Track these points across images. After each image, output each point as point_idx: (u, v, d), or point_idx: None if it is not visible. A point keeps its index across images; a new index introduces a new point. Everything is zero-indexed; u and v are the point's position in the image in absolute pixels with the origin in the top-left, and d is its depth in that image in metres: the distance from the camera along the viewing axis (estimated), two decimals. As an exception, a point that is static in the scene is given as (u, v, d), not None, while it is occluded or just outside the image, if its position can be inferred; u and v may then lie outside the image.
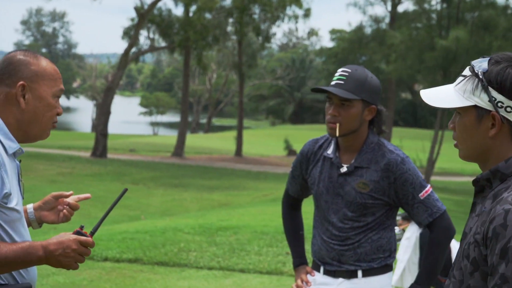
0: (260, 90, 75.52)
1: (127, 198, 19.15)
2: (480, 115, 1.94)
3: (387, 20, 35.01)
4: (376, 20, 35.24)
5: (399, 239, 6.01)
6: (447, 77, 23.76)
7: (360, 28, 36.07)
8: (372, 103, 3.11)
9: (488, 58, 1.97)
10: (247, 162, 32.62)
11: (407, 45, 26.10)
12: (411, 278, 5.75)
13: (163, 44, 32.71)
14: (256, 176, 26.33)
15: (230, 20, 31.37)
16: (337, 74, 3.13)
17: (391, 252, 3.19)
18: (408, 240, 5.86)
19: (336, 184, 3.15)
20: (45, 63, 2.35)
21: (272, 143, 50.49)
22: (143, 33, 30.90)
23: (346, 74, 3.08)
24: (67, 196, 2.56)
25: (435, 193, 3.13)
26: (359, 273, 3.14)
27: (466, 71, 2.00)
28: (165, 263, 7.62)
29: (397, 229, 6.09)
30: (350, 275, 3.15)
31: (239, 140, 34.50)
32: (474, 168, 23.94)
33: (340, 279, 3.17)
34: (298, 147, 41.15)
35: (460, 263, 1.95)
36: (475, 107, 1.94)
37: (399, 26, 30.51)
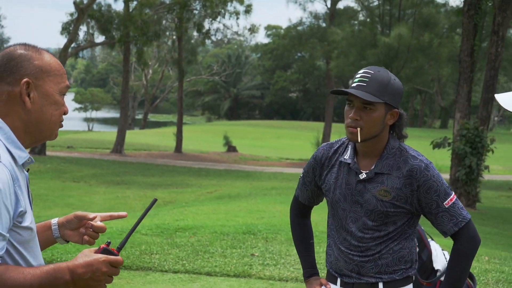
0: (196, 86, 75.19)
1: (69, 197, 18.67)
2: None
3: (327, 17, 35.20)
4: (316, 16, 35.38)
5: None
6: (389, 74, 24.06)
7: (296, 25, 36.21)
8: (394, 107, 2.92)
9: None
10: (187, 159, 32.32)
11: (349, 42, 26.29)
12: None
13: (101, 39, 32.06)
14: (197, 173, 26.09)
15: (170, 16, 30.96)
16: (358, 75, 2.92)
17: (413, 262, 3.01)
18: None
19: (354, 191, 2.96)
20: (48, 57, 2.13)
21: (210, 139, 50.25)
22: (83, 28, 30.20)
23: (369, 75, 2.88)
24: (91, 219, 2.29)
25: (459, 200, 2.95)
26: (380, 285, 2.96)
27: None
28: (128, 267, 7.30)
29: None
30: (371, 287, 2.97)
31: (178, 136, 34.17)
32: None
33: None
34: (236, 143, 41.12)
35: None
36: None
37: (338, 23, 30.70)
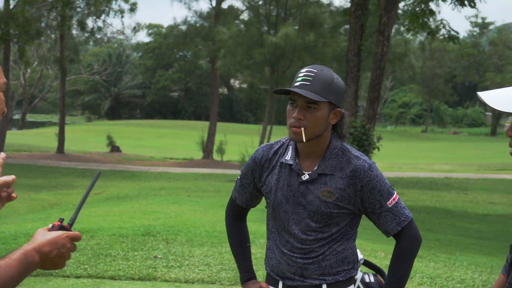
0: (76, 85, 73.37)
1: None
2: None
3: (211, 16, 35.20)
4: (201, 15, 35.28)
5: None
6: (275, 73, 24.36)
7: (178, 24, 36.00)
8: (337, 106, 2.85)
9: None
10: (70, 159, 31.46)
11: (236, 41, 26.38)
12: None
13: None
14: (82, 174, 25.46)
15: (53, 13, 29.97)
16: (301, 74, 2.83)
17: (355, 263, 2.97)
18: None
19: (297, 193, 2.88)
20: None
21: (92, 139, 49.17)
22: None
23: (312, 74, 2.80)
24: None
25: (401, 200, 2.93)
26: (324, 287, 2.90)
27: None
28: (26, 274, 6.94)
29: None
30: None
31: (60, 136, 33.19)
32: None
33: None
34: (119, 143, 40.45)
35: None
36: None
37: (224, 22, 30.77)
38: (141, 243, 8.41)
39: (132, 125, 62.78)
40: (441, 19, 20.27)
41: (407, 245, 2.88)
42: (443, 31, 20.42)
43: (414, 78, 63.59)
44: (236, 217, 3.19)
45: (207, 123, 39.35)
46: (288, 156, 2.93)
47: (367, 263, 6.10)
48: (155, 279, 7.06)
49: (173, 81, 76.73)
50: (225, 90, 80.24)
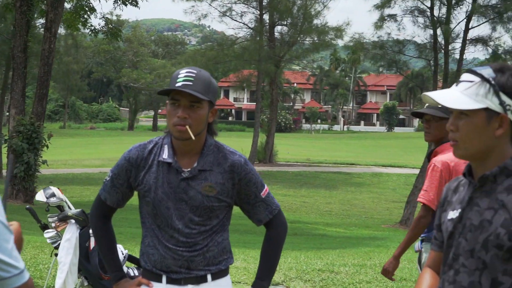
0: None
1: None
2: (490, 117, 2.21)
3: None
4: None
5: (55, 242, 5.70)
6: None
7: None
8: (214, 105, 3.05)
9: (487, 66, 2.29)
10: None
11: None
12: (72, 280, 5.55)
13: None
14: None
15: None
16: (181, 75, 2.92)
17: (231, 252, 3.17)
18: (69, 241, 5.59)
19: (178, 189, 2.97)
20: None
21: None
22: None
23: (193, 75, 2.91)
24: None
25: (271, 193, 3.21)
26: (209, 277, 3.03)
27: (470, 77, 2.27)
28: None
29: (53, 232, 5.77)
30: (200, 280, 3.02)
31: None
32: None
33: (189, 286, 3.01)
34: None
35: (474, 252, 2.21)
36: (486, 109, 2.22)
37: None
38: None
39: None
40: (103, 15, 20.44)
41: (278, 231, 3.17)
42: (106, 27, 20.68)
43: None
44: (104, 218, 3.19)
45: None
46: (165, 155, 3.00)
47: (131, 258, 6.23)
48: None
49: None
50: None
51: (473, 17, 19.35)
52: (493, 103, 2.22)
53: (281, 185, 29.29)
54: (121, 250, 5.62)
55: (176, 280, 3.01)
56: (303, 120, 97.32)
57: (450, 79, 19.78)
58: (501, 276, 2.19)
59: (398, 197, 27.61)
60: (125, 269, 3.10)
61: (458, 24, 19.96)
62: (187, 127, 2.90)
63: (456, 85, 2.30)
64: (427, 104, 4.87)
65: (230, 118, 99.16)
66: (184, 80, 2.89)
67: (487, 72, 2.25)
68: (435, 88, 20.23)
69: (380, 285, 7.71)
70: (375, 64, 21.98)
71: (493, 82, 2.22)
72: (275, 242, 3.15)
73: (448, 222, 2.39)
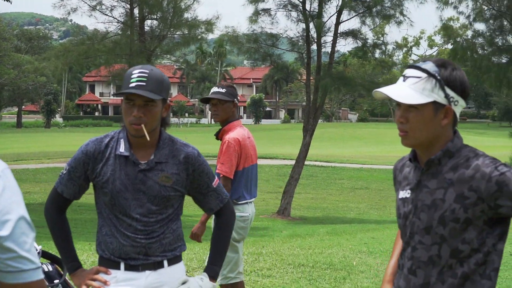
0: None
1: None
2: (437, 109, 2.47)
3: None
4: None
5: None
6: None
7: None
8: (167, 100, 3.22)
9: (429, 61, 2.51)
10: None
11: None
12: None
13: None
14: None
15: None
16: (134, 75, 3.07)
17: (183, 240, 3.36)
18: None
19: (135, 180, 3.16)
20: None
21: None
22: None
23: (146, 75, 3.07)
24: None
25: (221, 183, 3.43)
26: (165, 262, 3.22)
27: (416, 73, 2.48)
28: None
29: None
30: (157, 266, 3.20)
31: None
32: None
33: (147, 272, 3.19)
34: None
35: (431, 229, 2.45)
36: (433, 102, 2.46)
37: None
38: None
39: None
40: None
41: (228, 219, 3.41)
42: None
43: None
44: (59, 211, 3.33)
45: None
46: (122, 148, 3.19)
47: (44, 254, 6.18)
48: None
49: None
50: None
51: (343, 11, 20.15)
52: (439, 97, 2.47)
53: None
54: (35, 246, 5.54)
55: (134, 267, 3.18)
56: (171, 114, 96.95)
57: (323, 71, 20.48)
58: (461, 245, 2.44)
59: (273, 188, 28.23)
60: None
61: (329, 18, 20.74)
62: (143, 126, 3.08)
63: (404, 80, 2.51)
64: (212, 90, 5.54)
65: (96, 113, 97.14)
66: (137, 81, 3.05)
67: (431, 67, 2.48)
68: (308, 79, 20.88)
69: (280, 271, 7.97)
70: (250, 58, 22.35)
71: (438, 77, 2.46)
72: (225, 228, 3.40)
73: (399, 202, 2.63)
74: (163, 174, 3.17)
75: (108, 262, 3.20)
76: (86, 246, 10.12)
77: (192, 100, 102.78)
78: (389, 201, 25.24)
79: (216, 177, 3.36)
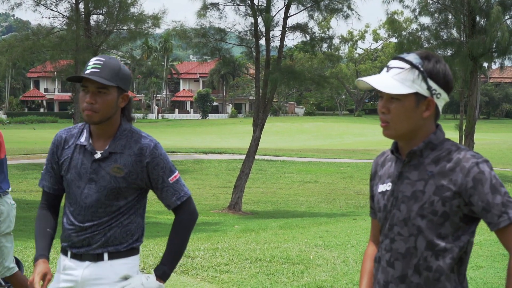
0: None
1: None
2: (418, 100, 2.48)
3: None
4: None
5: None
6: None
7: None
8: (125, 91, 3.20)
9: (413, 53, 2.51)
10: None
11: None
12: None
13: None
14: None
15: None
16: (90, 63, 3.14)
17: (139, 236, 3.27)
18: None
19: (89, 169, 3.18)
20: None
21: None
22: None
23: (101, 62, 3.11)
24: None
25: (182, 179, 3.31)
26: (105, 255, 3.17)
27: (400, 64, 2.48)
28: None
29: None
30: (97, 258, 3.18)
31: None
32: None
33: (87, 262, 3.18)
34: None
35: (409, 220, 2.46)
36: (415, 93, 2.47)
37: None
38: None
39: None
40: None
41: (186, 219, 3.28)
42: None
43: None
44: (46, 207, 3.35)
45: None
46: (83, 138, 3.24)
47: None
48: None
49: None
50: None
51: (291, 5, 20.19)
52: (421, 88, 2.47)
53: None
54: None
55: (77, 255, 3.21)
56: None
57: (272, 66, 20.51)
58: (436, 239, 2.45)
59: (222, 183, 28.19)
60: None
61: (278, 12, 20.73)
62: (94, 112, 3.11)
63: (387, 71, 2.52)
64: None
65: (41, 110, 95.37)
66: (92, 68, 3.09)
67: (415, 59, 2.49)
68: (257, 74, 20.88)
69: (238, 266, 7.95)
70: (198, 52, 22.24)
71: (421, 68, 2.46)
72: (181, 228, 3.26)
73: (379, 195, 2.62)
74: (115, 165, 3.15)
75: (63, 250, 3.27)
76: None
77: (138, 95, 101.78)
78: (339, 194, 25.49)
79: (176, 172, 3.25)
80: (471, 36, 22.11)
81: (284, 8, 20.40)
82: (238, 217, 18.89)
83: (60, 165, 3.27)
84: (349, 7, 20.56)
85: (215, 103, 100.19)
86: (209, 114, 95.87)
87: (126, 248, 3.20)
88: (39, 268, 3.12)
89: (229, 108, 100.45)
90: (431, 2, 23.58)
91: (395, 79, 2.48)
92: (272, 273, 7.64)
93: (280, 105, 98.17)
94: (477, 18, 22.67)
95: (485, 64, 29.17)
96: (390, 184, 2.56)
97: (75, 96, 33.38)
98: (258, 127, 20.46)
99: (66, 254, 3.24)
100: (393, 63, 2.52)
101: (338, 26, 73.32)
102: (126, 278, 3.15)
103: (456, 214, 2.42)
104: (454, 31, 23.83)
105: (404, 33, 24.51)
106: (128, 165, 3.15)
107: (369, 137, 56.97)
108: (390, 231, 2.54)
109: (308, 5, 20.32)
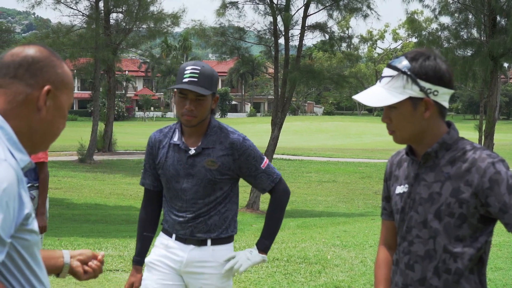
0: None
1: None
2: (415, 104, 2.46)
3: None
4: None
5: None
6: None
7: None
8: (216, 93, 3.51)
9: (402, 57, 2.49)
10: None
11: None
12: None
13: None
14: None
15: None
16: (187, 71, 3.39)
17: (235, 223, 3.59)
18: None
19: (186, 165, 3.51)
20: (67, 69, 2.02)
21: None
22: None
23: (198, 71, 3.38)
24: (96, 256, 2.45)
25: (271, 163, 3.62)
26: (209, 241, 3.52)
27: (389, 72, 2.46)
28: None
29: None
30: (201, 243, 3.52)
31: None
32: None
33: (191, 246, 3.54)
34: None
35: (426, 223, 2.45)
36: (410, 98, 2.45)
37: None
38: None
39: None
40: None
41: (280, 198, 3.62)
42: None
43: None
44: (150, 205, 3.71)
45: None
46: (176, 138, 3.58)
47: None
48: None
49: None
50: None
51: (311, 4, 20.15)
52: (414, 91, 2.44)
53: (124, 174, 28.92)
54: None
55: (182, 239, 3.57)
56: (136, 108, 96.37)
57: (291, 65, 20.48)
58: (454, 241, 2.42)
59: (240, 182, 28.05)
60: None
61: (297, 11, 20.69)
62: (194, 117, 3.43)
63: (380, 81, 2.51)
64: None
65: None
66: (190, 77, 3.38)
67: (402, 63, 2.46)
68: (276, 73, 20.87)
69: (255, 266, 7.94)
70: (217, 51, 22.26)
71: (408, 72, 2.43)
72: (278, 206, 3.62)
73: (396, 197, 2.60)
74: (209, 158, 3.48)
75: (166, 231, 3.63)
76: (56, 242, 9.98)
77: (158, 93, 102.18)
78: (357, 194, 25.40)
79: (265, 158, 3.57)
80: (492, 36, 21.91)
81: (304, 7, 20.35)
82: (256, 216, 18.89)
83: (157, 164, 3.61)
84: (368, 6, 20.48)
85: (233, 102, 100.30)
86: (228, 113, 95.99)
87: (226, 235, 3.54)
88: (130, 279, 3.61)
89: (248, 107, 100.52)
90: (451, 1, 23.41)
91: (385, 89, 2.47)
92: (290, 272, 7.64)
93: (298, 104, 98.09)
94: (498, 18, 22.44)
95: (506, 64, 28.95)
96: (407, 185, 2.54)
97: (94, 94, 33.69)
98: (276, 126, 20.43)
99: (170, 236, 3.59)
100: (384, 71, 2.52)
101: (358, 26, 73.15)
102: (231, 258, 3.51)
103: (474, 215, 2.40)
104: (474, 31, 23.63)
105: (424, 32, 24.32)
106: (221, 158, 3.48)
107: (387, 137, 56.36)
108: (408, 234, 2.52)
109: (327, 4, 20.26)
